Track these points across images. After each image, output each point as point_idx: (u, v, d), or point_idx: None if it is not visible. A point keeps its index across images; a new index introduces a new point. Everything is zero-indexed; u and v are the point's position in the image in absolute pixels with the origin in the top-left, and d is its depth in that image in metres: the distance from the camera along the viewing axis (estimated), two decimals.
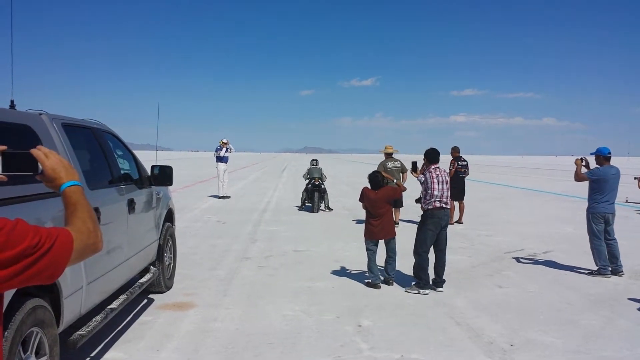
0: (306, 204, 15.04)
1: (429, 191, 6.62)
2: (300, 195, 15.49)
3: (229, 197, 17.84)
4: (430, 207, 6.61)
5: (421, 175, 6.84)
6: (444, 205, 6.63)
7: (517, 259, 8.59)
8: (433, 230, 6.61)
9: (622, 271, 7.53)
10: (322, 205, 14.70)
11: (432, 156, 6.86)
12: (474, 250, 9.35)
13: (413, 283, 6.70)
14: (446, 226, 6.74)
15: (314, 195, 14.44)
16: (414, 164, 7.46)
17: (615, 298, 6.44)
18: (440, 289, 6.57)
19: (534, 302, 6.23)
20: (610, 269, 7.52)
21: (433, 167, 6.77)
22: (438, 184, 6.60)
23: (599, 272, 7.51)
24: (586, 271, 7.74)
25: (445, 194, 6.64)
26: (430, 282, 6.62)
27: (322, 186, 14.69)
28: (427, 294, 6.43)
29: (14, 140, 3.30)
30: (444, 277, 6.69)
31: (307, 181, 14.95)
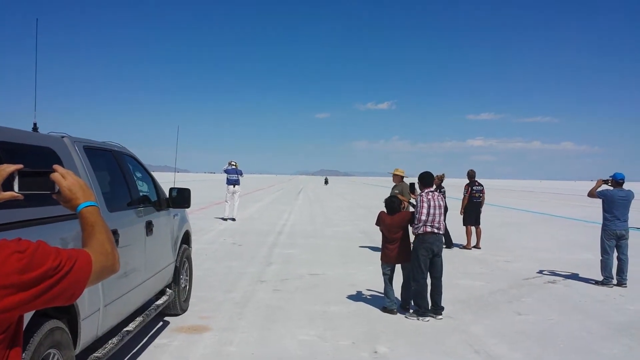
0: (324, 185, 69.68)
1: (417, 215, 6.58)
2: (323, 182, 79.25)
3: (234, 219, 17.57)
4: (420, 231, 6.55)
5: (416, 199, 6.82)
6: (435, 230, 6.54)
7: (537, 286, 8.45)
8: (425, 255, 6.53)
9: (626, 283, 8.46)
10: (326, 185, 73.25)
11: (425, 180, 6.85)
12: (492, 276, 9.22)
13: (412, 310, 6.64)
14: (440, 252, 6.64)
15: (326, 183, 78.09)
16: (412, 185, 7.45)
17: (636, 326, 6.29)
18: (439, 317, 6.46)
19: (553, 330, 6.11)
20: (613, 281, 8.48)
21: (426, 190, 6.73)
22: (428, 209, 6.51)
23: (603, 283, 8.51)
24: (605, 293, 7.76)
25: (437, 219, 6.54)
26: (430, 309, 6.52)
27: (327, 181, 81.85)
28: (427, 321, 6.34)
29: (37, 162, 3.35)
30: (442, 305, 6.58)
31: (324, 181, 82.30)
